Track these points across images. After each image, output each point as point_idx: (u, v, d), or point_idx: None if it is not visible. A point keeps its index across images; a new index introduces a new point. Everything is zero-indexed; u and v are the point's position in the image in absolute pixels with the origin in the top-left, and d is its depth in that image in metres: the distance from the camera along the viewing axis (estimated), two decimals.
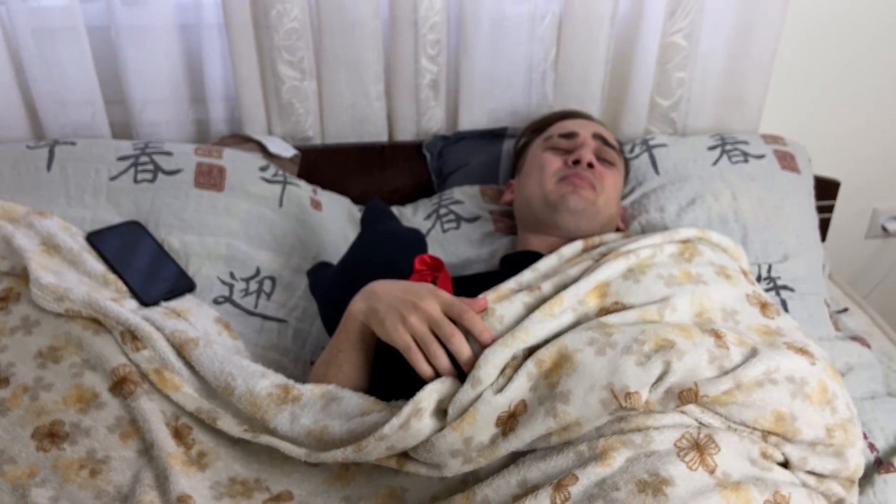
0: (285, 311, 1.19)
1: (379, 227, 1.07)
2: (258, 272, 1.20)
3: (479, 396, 0.81)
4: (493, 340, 0.84)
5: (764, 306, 0.95)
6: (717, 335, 0.85)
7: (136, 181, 1.21)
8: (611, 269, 0.94)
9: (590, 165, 1.15)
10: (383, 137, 1.44)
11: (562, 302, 0.89)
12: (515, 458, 0.81)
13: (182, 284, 1.13)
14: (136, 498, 0.83)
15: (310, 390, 0.89)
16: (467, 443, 0.80)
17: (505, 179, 1.40)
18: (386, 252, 1.02)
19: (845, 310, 1.34)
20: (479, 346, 0.84)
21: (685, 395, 0.79)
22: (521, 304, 0.90)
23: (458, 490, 0.81)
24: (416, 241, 1.04)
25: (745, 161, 1.34)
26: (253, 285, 1.19)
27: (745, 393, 0.80)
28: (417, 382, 0.84)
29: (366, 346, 0.93)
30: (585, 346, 0.82)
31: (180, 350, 0.96)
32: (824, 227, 1.53)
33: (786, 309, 1.20)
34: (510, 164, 1.40)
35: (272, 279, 1.20)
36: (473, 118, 1.44)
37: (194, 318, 1.07)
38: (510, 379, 0.82)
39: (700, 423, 0.81)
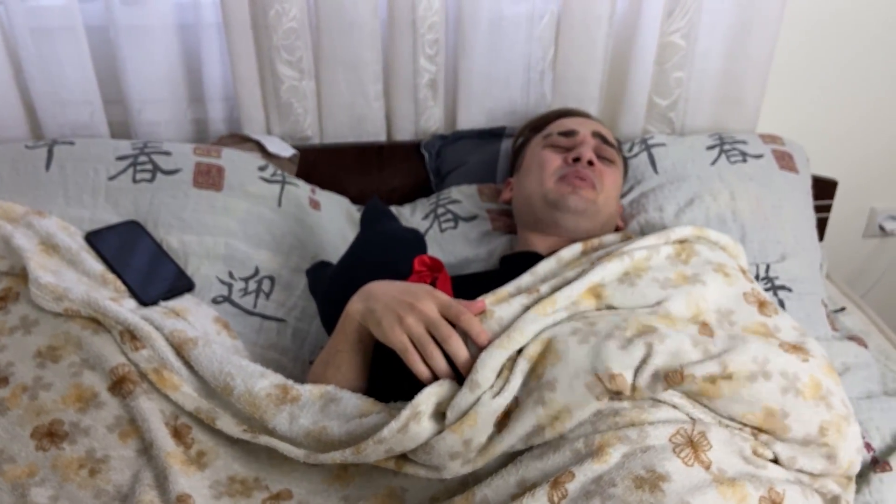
0: (284, 310, 1.19)
1: (378, 227, 1.07)
2: (257, 272, 1.20)
3: (477, 400, 0.81)
4: (490, 342, 0.85)
5: (762, 304, 0.96)
6: (703, 324, 0.86)
7: (134, 181, 1.22)
8: (605, 271, 0.95)
9: (590, 163, 1.15)
10: (382, 137, 1.45)
11: (555, 303, 0.90)
12: (514, 457, 0.81)
13: (181, 284, 1.13)
14: (136, 497, 0.83)
15: (308, 391, 0.89)
16: (467, 444, 0.80)
17: (503, 178, 1.40)
18: (385, 252, 1.02)
19: (843, 309, 1.34)
20: (477, 349, 0.85)
21: (671, 377, 0.79)
22: (519, 306, 0.90)
23: (458, 491, 0.82)
24: (416, 241, 1.04)
25: (744, 161, 1.34)
26: (252, 285, 1.19)
27: (735, 385, 0.80)
28: (415, 383, 0.84)
29: (364, 347, 0.93)
30: (569, 336, 0.84)
31: (179, 350, 0.96)
32: (822, 226, 1.53)
33: (783, 309, 1.21)
34: (508, 164, 1.40)
35: (271, 279, 1.20)
36: (472, 118, 1.44)
37: (193, 317, 1.07)
38: (507, 381, 0.82)
39: (691, 417, 0.81)
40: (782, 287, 1.22)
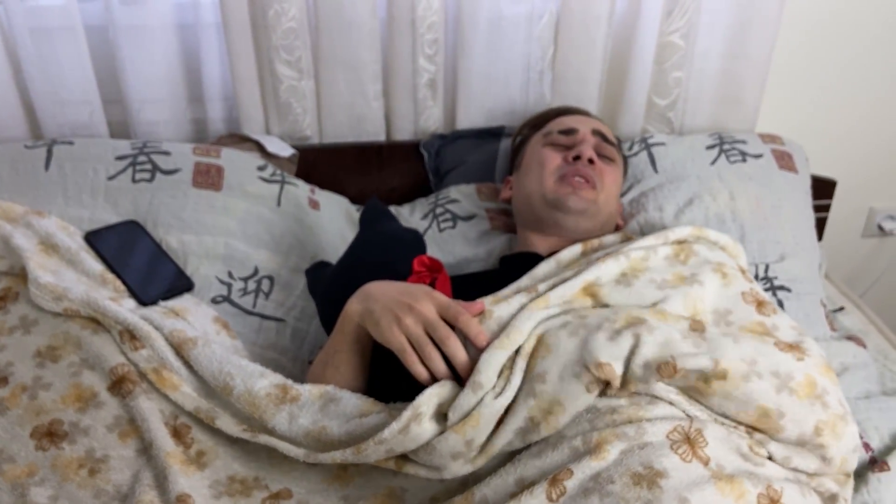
0: (283, 310, 1.19)
1: (377, 227, 1.07)
2: (256, 271, 1.20)
3: (480, 401, 0.81)
4: (490, 343, 0.85)
5: (760, 304, 0.96)
6: (696, 321, 0.87)
7: (134, 181, 1.22)
8: (600, 270, 0.95)
9: (590, 161, 1.15)
10: (381, 137, 1.45)
11: (548, 301, 0.90)
12: (512, 456, 0.81)
13: (180, 284, 1.13)
14: (136, 497, 0.83)
15: (308, 390, 0.89)
16: (469, 445, 0.80)
17: (502, 178, 1.40)
18: (384, 253, 1.02)
19: (841, 308, 1.35)
20: (476, 350, 0.85)
21: (663, 369, 0.80)
22: (518, 305, 0.90)
23: (458, 491, 0.82)
24: (415, 241, 1.04)
25: (743, 161, 1.34)
26: (251, 285, 1.19)
27: (728, 385, 0.80)
28: (414, 384, 0.84)
29: (362, 348, 0.93)
30: (559, 329, 0.85)
31: (179, 349, 0.96)
32: (821, 226, 1.53)
33: (783, 309, 1.21)
34: (507, 163, 1.40)
35: (270, 278, 1.21)
36: (471, 118, 1.44)
37: (193, 317, 1.07)
38: (508, 380, 0.83)
39: (688, 414, 0.81)
40: (781, 287, 1.22)
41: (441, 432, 0.81)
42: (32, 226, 1.12)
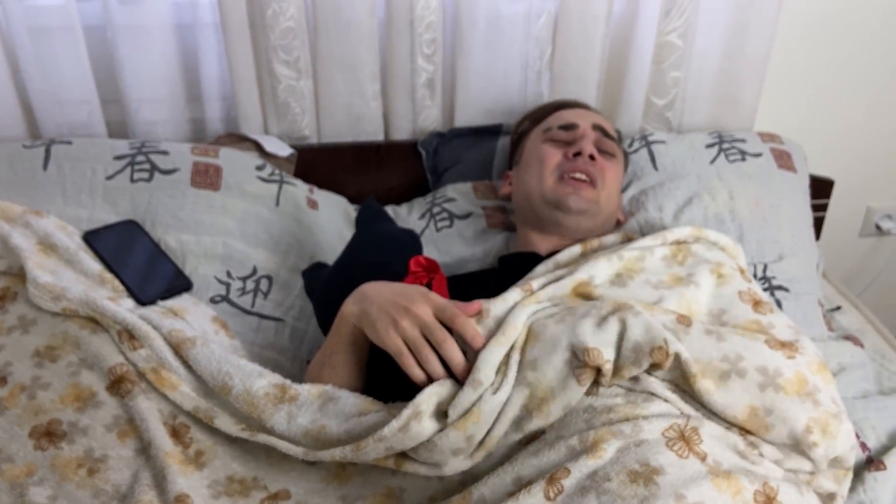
0: (282, 310, 1.19)
1: (374, 227, 1.07)
2: (255, 271, 1.20)
3: (480, 397, 0.82)
4: (488, 340, 0.85)
5: (757, 303, 0.96)
6: (681, 314, 0.88)
7: (132, 180, 1.22)
8: (593, 269, 0.96)
9: (591, 158, 1.14)
10: (379, 136, 1.45)
11: (538, 298, 0.91)
12: (510, 455, 0.82)
13: (179, 284, 1.13)
14: (135, 497, 0.83)
15: (307, 390, 0.89)
16: (470, 440, 0.81)
17: (499, 176, 1.40)
18: (381, 253, 1.02)
19: (838, 308, 1.35)
20: (472, 351, 0.85)
21: (656, 353, 0.81)
22: (512, 302, 0.91)
23: (456, 490, 0.82)
24: (411, 242, 1.04)
25: (743, 160, 1.34)
26: (250, 284, 1.19)
27: (709, 384, 0.82)
28: (412, 385, 0.85)
29: (359, 349, 0.93)
30: (547, 319, 0.87)
31: (177, 349, 0.96)
32: (818, 225, 1.53)
33: (780, 309, 1.21)
34: (504, 161, 1.40)
35: (269, 278, 1.21)
36: (469, 117, 1.45)
37: (191, 317, 1.07)
38: (505, 375, 0.83)
39: (684, 413, 0.82)
40: (779, 287, 1.22)
41: (440, 430, 0.81)
42: (31, 225, 1.12)
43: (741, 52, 1.43)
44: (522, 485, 0.76)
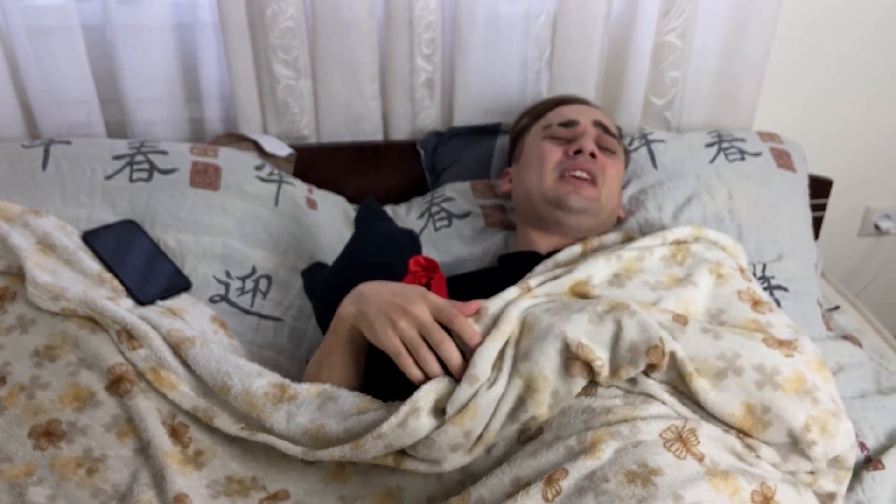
0: (281, 309, 1.19)
1: (373, 227, 1.07)
2: (254, 271, 1.20)
3: (476, 392, 0.82)
4: (484, 337, 0.85)
5: (756, 303, 0.96)
6: (677, 314, 0.88)
7: (131, 180, 1.22)
8: (591, 269, 0.96)
9: (592, 155, 1.13)
10: (378, 136, 1.45)
11: (535, 294, 0.91)
12: (509, 455, 0.82)
13: (178, 283, 1.13)
14: (134, 497, 0.83)
15: (306, 389, 0.89)
16: (468, 436, 0.81)
17: (498, 175, 1.40)
18: (380, 253, 1.02)
19: (837, 308, 1.35)
20: (470, 350, 0.85)
21: (653, 353, 0.81)
22: (509, 299, 0.91)
23: (454, 491, 0.82)
24: (410, 242, 1.04)
25: (742, 159, 1.34)
26: (249, 284, 1.19)
27: (706, 383, 0.81)
28: (410, 384, 0.85)
29: (357, 349, 0.93)
30: (543, 312, 0.87)
31: (177, 349, 0.96)
32: (817, 225, 1.54)
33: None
34: (503, 160, 1.40)
35: (268, 278, 1.21)
36: (468, 117, 1.45)
37: (190, 316, 1.07)
38: (500, 369, 0.84)
39: (681, 415, 0.82)
40: (778, 287, 1.22)
41: (438, 426, 0.81)
42: (30, 225, 1.12)
43: (740, 52, 1.43)
44: (521, 486, 0.76)
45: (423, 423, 0.81)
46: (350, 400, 0.88)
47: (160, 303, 1.08)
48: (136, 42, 1.30)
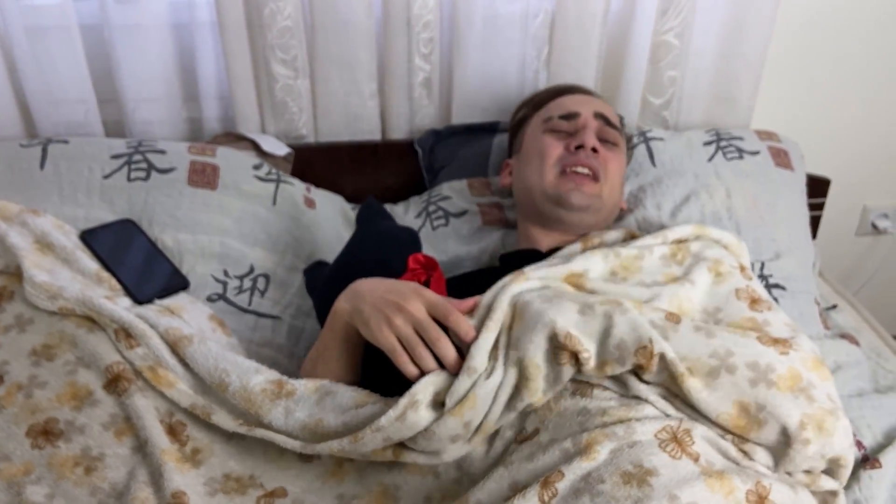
0: (279, 308, 1.20)
1: (374, 225, 1.07)
2: (252, 270, 1.20)
3: (474, 384, 0.82)
4: (479, 329, 0.85)
5: (754, 301, 0.95)
6: (670, 312, 0.87)
7: (129, 179, 1.22)
8: (588, 262, 0.95)
9: (594, 150, 1.12)
10: (377, 136, 1.45)
11: (527, 278, 0.91)
12: (506, 455, 0.82)
13: (176, 282, 1.13)
14: (132, 495, 0.83)
15: (303, 385, 0.89)
16: (467, 426, 0.81)
17: (496, 174, 1.40)
18: (380, 251, 1.02)
19: (834, 306, 1.35)
20: (466, 346, 0.85)
21: (641, 354, 0.81)
22: (501, 286, 0.91)
23: (452, 490, 0.82)
24: (410, 240, 1.04)
25: (740, 158, 1.34)
26: (247, 283, 1.19)
27: (697, 382, 0.81)
28: (406, 381, 0.85)
29: (352, 345, 0.93)
30: (535, 298, 0.86)
31: (174, 347, 0.96)
32: (815, 224, 1.54)
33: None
34: (500, 159, 1.40)
35: (266, 277, 1.21)
36: (466, 116, 1.45)
37: (188, 315, 1.07)
38: (497, 359, 0.84)
39: (667, 414, 0.82)
40: (776, 286, 1.22)
41: (437, 418, 0.81)
42: (28, 224, 1.12)
43: (738, 52, 1.43)
44: (518, 490, 0.76)
45: (422, 415, 0.81)
46: (348, 394, 0.88)
47: (158, 302, 1.08)
48: (134, 41, 1.30)
